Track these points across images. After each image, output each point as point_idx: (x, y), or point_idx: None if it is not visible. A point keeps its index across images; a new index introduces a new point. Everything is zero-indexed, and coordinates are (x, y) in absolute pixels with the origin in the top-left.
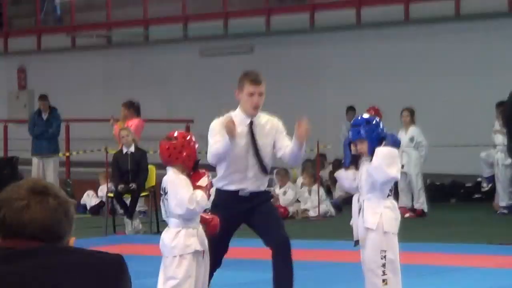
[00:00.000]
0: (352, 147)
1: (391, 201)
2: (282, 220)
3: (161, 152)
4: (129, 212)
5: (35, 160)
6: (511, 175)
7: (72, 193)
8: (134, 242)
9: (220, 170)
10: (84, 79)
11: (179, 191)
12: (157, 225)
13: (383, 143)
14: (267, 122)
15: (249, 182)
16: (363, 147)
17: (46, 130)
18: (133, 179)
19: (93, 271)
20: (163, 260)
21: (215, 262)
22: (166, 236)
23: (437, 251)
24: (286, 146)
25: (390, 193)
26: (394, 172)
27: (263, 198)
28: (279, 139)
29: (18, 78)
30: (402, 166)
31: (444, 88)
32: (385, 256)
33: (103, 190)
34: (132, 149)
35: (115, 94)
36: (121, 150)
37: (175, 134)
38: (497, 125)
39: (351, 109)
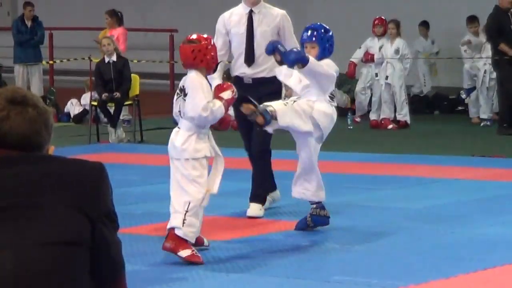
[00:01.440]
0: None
1: (331, 102)
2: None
3: (184, 55)
4: (113, 121)
5: (18, 68)
6: (494, 87)
7: (56, 102)
8: (117, 150)
9: (233, 58)
10: None
11: (198, 95)
12: (140, 134)
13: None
14: (270, 12)
15: (249, 68)
16: (312, 52)
17: (31, 38)
18: (116, 88)
19: (72, 179)
20: (172, 162)
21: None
22: (177, 138)
23: (420, 163)
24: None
25: (331, 99)
26: (326, 84)
27: (270, 88)
28: (285, 37)
29: None
30: (386, 77)
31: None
32: None
33: (86, 98)
34: (114, 58)
35: (98, 2)
36: (103, 59)
37: (195, 36)
38: (464, 41)
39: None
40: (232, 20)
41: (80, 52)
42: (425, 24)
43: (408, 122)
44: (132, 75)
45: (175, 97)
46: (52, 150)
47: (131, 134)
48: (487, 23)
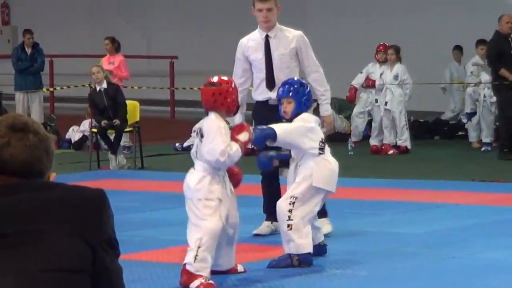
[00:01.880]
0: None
1: (323, 157)
2: None
3: (205, 97)
4: (113, 147)
5: (19, 96)
6: (495, 112)
7: (56, 129)
8: (118, 177)
9: (254, 83)
10: (68, 15)
11: (215, 139)
12: (141, 161)
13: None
14: (287, 34)
15: (271, 91)
16: (288, 107)
17: (31, 65)
18: (113, 114)
19: (73, 206)
20: (187, 202)
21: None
22: (191, 178)
23: (420, 188)
24: (312, 78)
25: (321, 151)
26: (306, 142)
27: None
28: (303, 57)
29: (1, 13)
30: (386, 103)
31: (430, 25)
32: (293, 203)
33: (85, 124)
34: (104, 85)
35: (99, 30)
36: (94, 88)
37: (216, 79)
38: (476, 61)
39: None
40: (250, 46)
41: (80, 79)
42: (458, 48)
43: (409, 147)
44: (132, 101)
45: (193, 134)
46: (53, 176)
47: (131, 161)
48: (487, 48)
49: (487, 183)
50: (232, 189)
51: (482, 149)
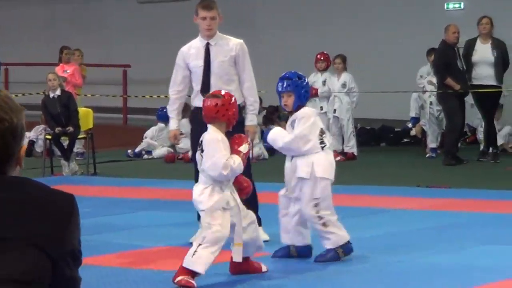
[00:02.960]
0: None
1: (322, 152)
2: None
3: (207, 109)
4: (66, 154)
5: None
6: (440, 118)
7: None
8: (71, 183)
9: (193, 91)
10: (24, 25)
11: (216, 154)
12: (94, 167)
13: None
14: (228, 42)
15: None
16: (289, 100)
17: None
18: (66, 122)
19: (39, 213)
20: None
21: None
22: (195, 191)
23: (366, 193)
24: (245, 87)
25: (322, 144)
26: (307, 146)
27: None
28: (240, 65)
29: None
30: (334, 111)
31: (376, 35)
32: (317, 204)
33: (36, 130)
34: (58, 92)
35: (54, 39)
36: (48, 95)
37: (218, 92)
38: (424, 72)
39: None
40: (191, 54)
41: (36, 87)
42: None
43: (355, 154)
44: (85, 109)
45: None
46: (24, 149)
47: (84, 167)
48: (434, 58)
49: (432, 189)
50: (239, 200)
51: (428, 155)
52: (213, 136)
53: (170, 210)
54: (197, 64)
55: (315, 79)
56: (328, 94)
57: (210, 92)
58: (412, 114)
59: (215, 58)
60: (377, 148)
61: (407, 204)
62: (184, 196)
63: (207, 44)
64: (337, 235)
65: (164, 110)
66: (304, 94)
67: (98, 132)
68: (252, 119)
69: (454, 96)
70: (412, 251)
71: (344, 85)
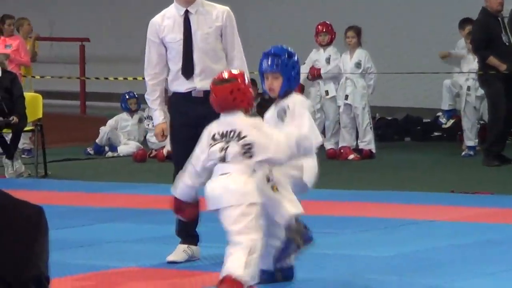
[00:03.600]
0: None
1: None
2: None
3: (221, 97)
4: (9, 151)
5: None
6: (481, 109)
7: None
8: (15, 187)
9: (170, 72)
10: None
11: (279, 134)
12: (44, 167)
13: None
14: (211, 9)
15: (198, 80)
16: (275, 83)
17: None
18: (9, 110)
19: (8, 224)
20: (226, 212)
21: None
22: (233, 180)
23: (387, 201)
24: (234, 66)
25: None
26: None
27: None
28: (228, 38)
29: None
30: (346, 97)
31: (396, 4)
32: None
33: None
34: None
35: None
36: None
37: (227, 75)
38: (460, 46)
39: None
40: (165, 26)
41: None
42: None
43: (373, 151)
44: (33, 94)
45: (206, 144)
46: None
47: (32, 167)
48: (472, 32)
49: (469, 196)
50: None
51: (464, 153)
52: (254, 120)
53: (141, 222)
54: (174, 38)
55: (317, 57)
56: (334, 75)
57: (216, 76)
58: (446, 106)
59: (197, 29)
60: (401, 144)
61: (438, 214)
62: (158, 204)
63: (186, 12)
64: None
65: (131, 95)
66: (294, 77)
67: (49, 124)
68: None
69: (498, 79)
70: (446, 273)
71: (358, 65)
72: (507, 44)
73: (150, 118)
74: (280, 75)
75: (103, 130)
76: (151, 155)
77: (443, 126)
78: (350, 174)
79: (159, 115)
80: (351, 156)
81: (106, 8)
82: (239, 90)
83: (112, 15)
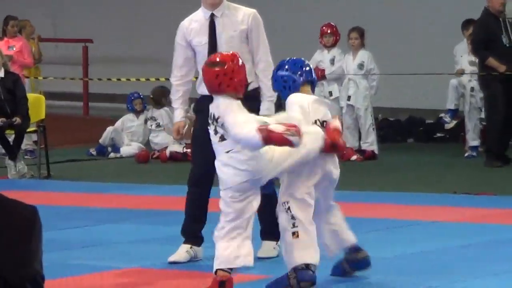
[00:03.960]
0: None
1: None
2: None
3: (208, 80)
4: (12, 152)
5: None
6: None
7: None
8: (18, 188)
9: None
10: None
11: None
12: (47, 168)
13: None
14: (237, 12)
15: None
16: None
17: None
18: (12, 111)
19: (3, 224)
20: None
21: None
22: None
23: (390, 202)
24: (260, 68)
25: None
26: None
27: (254, 105)
28: (254, 41)
29: None
30: (349, 98)
31: (400, 2)
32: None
33: None
34: (1, 73)
35: None
36: None
37: (218, 58)
38: (461, 51)
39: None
40: (192, 29)
41: None
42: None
43: (376, 152)
44: (36, 95)
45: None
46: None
47: (35, 168)
48: (473, 31)
49: (472, 196)
50: None
51: (467, 154)
52: (226, 101)
53: (143, 223)
54: (200, 41)
55: (321, 58)
56: (338, 76)
57: (208, 59)
58: (451, 106)
59: (222, 32)
60: (403, 145)
61: (441, 215)
62: (161, 205)
63: (212, 16)
64: None
65: (135, 95)
66: (289, 86)
67: (52, 125)
68: (269, 108)
69: (498, 81)
70: (449, 274)
71: (361, 66)
72: (507, 45)
73: (153, 119)
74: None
75: (108, 130)
76: (154, 156)
77: (446, 126)
78: (352, 175)
79: (178, 114)
80: (354, 157)
81: (109, 9)
82: (225, 75)
83: (115, 16)
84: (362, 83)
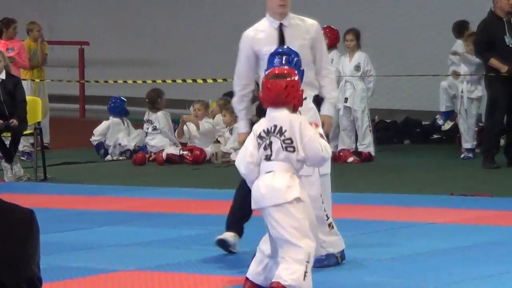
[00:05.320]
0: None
1: None
2: None
3: (275, 92)
4: (9, 154)
5: None
6: (477, 111)
7: None
8: (14, 191)
9: None
10: None
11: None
12: (44, 171)
13: None
14: (302, 22)
15: None
16: None
17: None
18: (10, 113)
19: (1, 227)
20: (271, 212)
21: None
22: (277, 179)
23: (386, 204)
24: (323, 74)
25: None
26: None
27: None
28: (317, 50)
29: None
30: (346, 100)
31: (396, 3)
32: None
33: None
34: (3, 75)
35: None
36: None
37: (282, 71)
38: (458, 49)
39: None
40: (260, 39)
41: None
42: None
43: (373, 154)
44: (32, 97)
45: (258, 142)
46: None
47: (31, 171)
48: (476, 33)
49: (468, 198)
50: None
51: (463, 155)
52: (302, 118)
53: (140, 226)
54: (270, 50)
55: None
56: (336, 78)
57: (270, 72)
58: (443, 108)
59: (292, 41)
60: (400, 147)
61: (438, 217)
62: (157, 208)
63: (280, 25)
64: None
65: (118, 101)
66: (301, 76)
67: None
68: (329, 108)
69: (500, 81)
70: (446, 275)
71: (357, 68)
72: (510, 46)
73: (149, 121)
74: None
75: (105, 123)
76: (150, 159)
77: (442, 128)
78: (349, 177)
79: (243, 126)
80: (351, 159)
81: (105, 12)
82: (293, 86)
83: (111, 19)
84: (359, 85)
